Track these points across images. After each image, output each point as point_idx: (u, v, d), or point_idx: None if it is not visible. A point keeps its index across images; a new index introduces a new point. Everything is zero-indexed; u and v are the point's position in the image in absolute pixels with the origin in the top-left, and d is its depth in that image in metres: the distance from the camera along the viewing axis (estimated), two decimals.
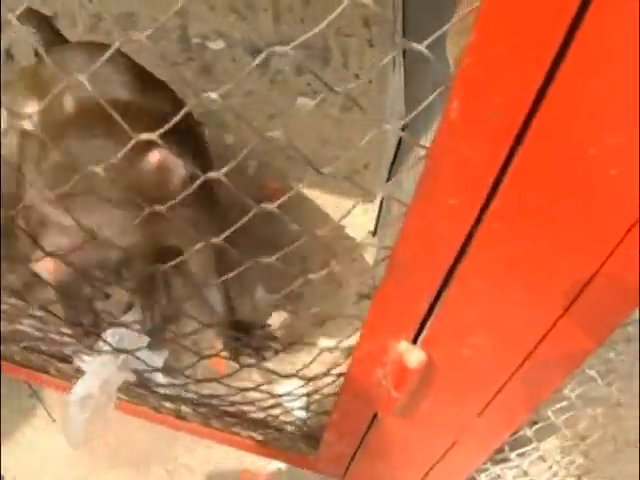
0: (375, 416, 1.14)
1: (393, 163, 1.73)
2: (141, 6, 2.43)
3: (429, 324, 0.86)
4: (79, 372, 1.21)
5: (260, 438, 1.41)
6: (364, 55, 2.35)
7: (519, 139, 0.58)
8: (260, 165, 2.10)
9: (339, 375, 1.11)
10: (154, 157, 1.14)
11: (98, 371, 1.10)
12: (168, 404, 1.35)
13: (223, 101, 0.63)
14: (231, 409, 1.37)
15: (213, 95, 0.63)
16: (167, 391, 1.29)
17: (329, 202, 2.01)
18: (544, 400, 0.95)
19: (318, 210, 1.99)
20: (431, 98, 0.64)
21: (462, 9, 0.62)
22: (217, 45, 2.39)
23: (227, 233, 0.82)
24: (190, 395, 1.27)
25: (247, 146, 0.72)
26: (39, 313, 1.16)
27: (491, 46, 0.52)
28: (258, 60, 0.62)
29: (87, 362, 1.14)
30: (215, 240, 0.83)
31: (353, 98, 0.69)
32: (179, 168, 1.16)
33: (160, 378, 1.26)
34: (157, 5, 2.41)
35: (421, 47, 0.57)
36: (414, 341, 0.90)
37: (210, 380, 1.14)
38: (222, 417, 1.39)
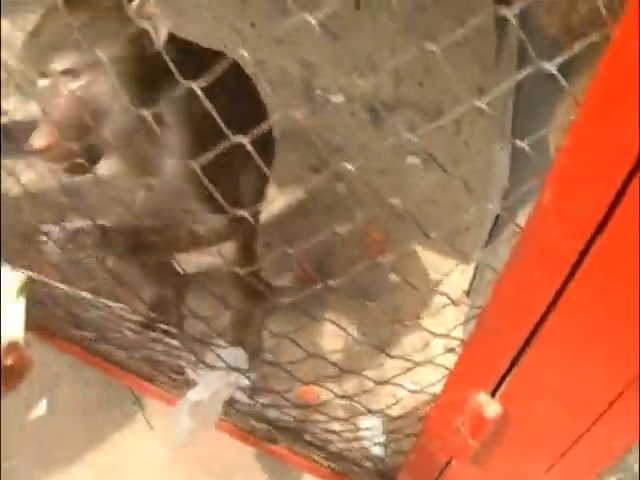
0: (449, 462, 1.23)
1: (492, 229, 1.82)
2: (268, 55, 2.63)
3: (508, 380, 0.95)
4: (188, 384, 1.35)
5: (339, 469, 1.52)
6: (475, 124, 2.46)
7: (600, 228, 0.68)
8: (364, 212, 2.23)
9: (420, 418, 1.21)
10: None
11: (211, 383, 1.24)
12: (259, 425, 1.47)
13: (356, 173, 0.75)
14: (316, 438, 1.48)
15: (349, 166, 0.76)
16: (262, 412, 1.42)
17: (428, 258, 2.11)
18: (608, 466, 1.03)
19: (417, 264, 2.10)
20: (529, 185, 0.75)
21: (562, 113, 0.72)
22: (338, 99, 2.56)
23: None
24: (285, 418, 1.38)
25: (357, 197, 0.84)
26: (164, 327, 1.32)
27: (581, 152, 0.63)
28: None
29: (201, 375, 1.27)
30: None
31: (463, 179, 0.81)
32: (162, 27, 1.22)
33: (245, 398, 1.38)
34: (284, 54, 2.61)
35: (524, 145, 0.68)
36: (493, 394, 0.99)
37: (304, 406, 1.26)
38: (307, 445, 1.51)
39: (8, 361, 1.11)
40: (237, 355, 1.30)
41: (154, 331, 1.38)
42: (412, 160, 2.39)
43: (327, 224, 2.17)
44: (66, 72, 1.20)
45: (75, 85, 1.20)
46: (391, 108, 2.53)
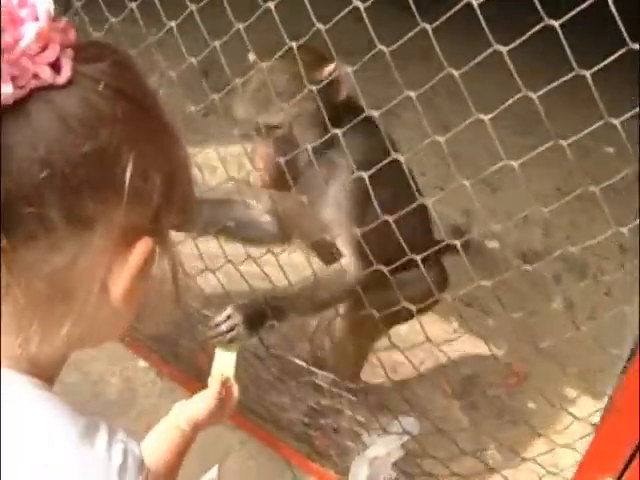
0: None
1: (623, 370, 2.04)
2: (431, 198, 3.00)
3: (632, 466, 1.19)
4: (350, 454, 1.64)
5: None
6: (617, 276, 2.71)
7: None
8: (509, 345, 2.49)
9: None
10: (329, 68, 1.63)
11: (387, 444, 1.51)
12: None
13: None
14: None
15: (515, 315, 1.06)
16: None
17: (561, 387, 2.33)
18: None
19: (552, 392, 2.32)
20: None
21: None
22: (492, 244, 2.88)
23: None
24: None
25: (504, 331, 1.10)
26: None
27: None
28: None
29: (378, 438, 1.56)
30: None
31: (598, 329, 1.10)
32: (348, 79, 1.63)
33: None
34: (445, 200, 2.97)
35: None
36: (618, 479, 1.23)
37: None
38: None
39: (222, 394, 1.41)
40: (410, 422, 1.58)
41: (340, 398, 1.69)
42: (555, 305, 2.64)
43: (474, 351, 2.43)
44: (273, 127, 1.65)
45: (279, 134, 1.66)
46: (539, 256, 2.82)
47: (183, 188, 0.75)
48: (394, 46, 1.36)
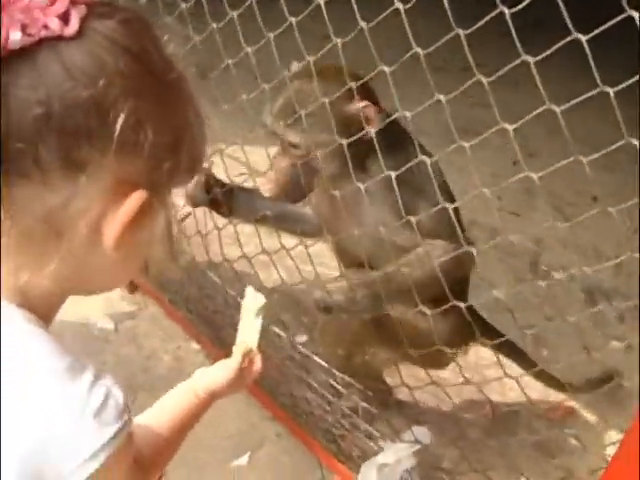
0: None
1: None
2: (504, 224, 2.97)
3: None
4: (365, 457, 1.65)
5: None
6: None
7: None
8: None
9: None
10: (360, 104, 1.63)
11: (397, 451, 1.52)
12: None
13: None
14: None
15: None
16: None
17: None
18: None
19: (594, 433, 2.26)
20: None
21: None
22: (559, 275, 2.83)
23: None
24: None
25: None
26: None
27: None
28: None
29: (390, 445, 1.57)
30: None
31: None
32: (378, 116, 1.62)
33: None
34: (519, 227, 2.93)
35: None
36: None
37: None
38: None
39: (244, 363, 1.40)
40: (423, 431, 1.58)
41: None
42: (615, 344, 2.57)
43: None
44: (293, 145, 1.68)
45: (298, 153, 1.69)
46: (606, 295, 2.75)
47: (191, 149, 0.78)
48: (493, 76, 1.29)
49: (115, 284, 0.88)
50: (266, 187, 1.74)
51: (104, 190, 0.72)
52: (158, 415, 1.25)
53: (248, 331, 1.44)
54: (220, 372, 1.36)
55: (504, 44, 1.24)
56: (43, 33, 0.65)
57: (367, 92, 1.71)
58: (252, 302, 1.47)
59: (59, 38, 0.66)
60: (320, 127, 1.66)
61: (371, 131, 1.62)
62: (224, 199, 1.91)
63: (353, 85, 1.59)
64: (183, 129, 0.77)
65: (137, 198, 0.73)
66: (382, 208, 1.68)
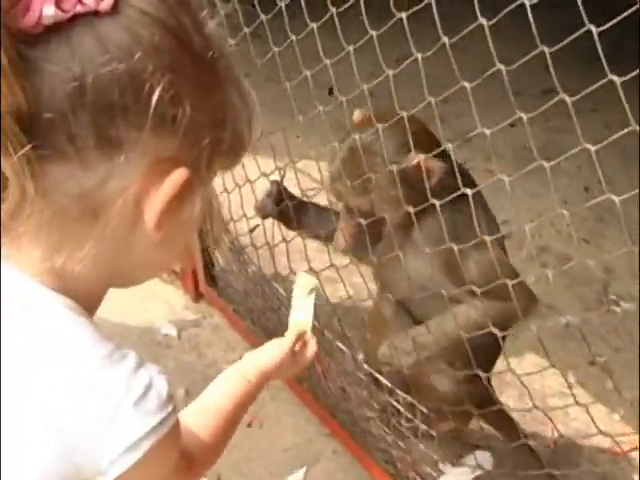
0: None
1: None
2: (575, 251, 2.91)
3: None
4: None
5: None
6: None
7: None
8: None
9: None
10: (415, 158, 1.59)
11: (457, 475, 1.50)
12: None
13: None
14: None
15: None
16: None
17: None
18: None
19: None
20: None
21: None
22: (628, 306, 2.75)
23: None
24: None
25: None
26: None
27: None
28: None
29: (450, 468, 1.54)
30: None
31: None
32: (438, 169, 1.58)
33: None
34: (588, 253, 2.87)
35: None
36: None
37: None
38: None
39: (297, 346, 1.35)
40: (485, 457, 1.55)
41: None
42: None
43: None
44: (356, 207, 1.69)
45: (363, 210, 1.69)
46: None
47: (233, 130, 0.76)
48: (577, 96, 1.26)
49: (156, 270, 0.86)
50: (337, 244, 1.75)
51: (143, 168, 0.70)
52: (206, 407, 1.19)
53: (301, 312, 1.41)
54: (271, 353, 1.30)
55: (582, 68, 1.22)
56: (78, 8, 0.64)
57: (427, 139, 1.69)
58: (304, 284, 1.46)
59: (94, 14, 0.65)
60: (381, 182, 1.64)
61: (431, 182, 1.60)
62: (294, 212, 1.91)
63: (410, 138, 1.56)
64: (223, 108, 0.75)
65: (179, 176, 0.72)
66: (430, 259, 1.67)
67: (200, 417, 1.15)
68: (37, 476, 0.68)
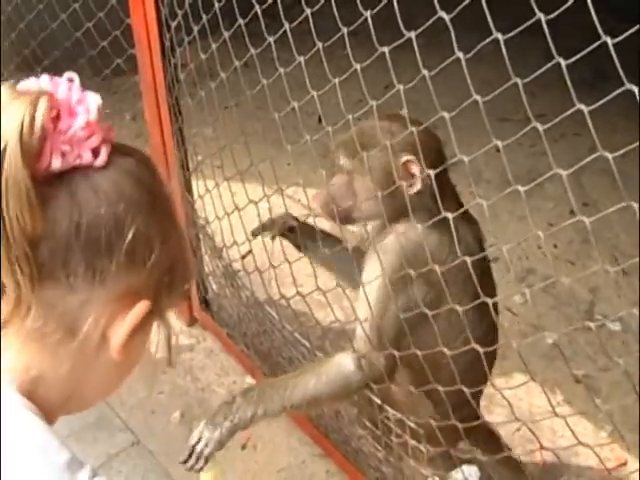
0: None
1: None
2: (560, 272, 2.98)
3: None
4: None
5: None
6: None
7: None
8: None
9: None
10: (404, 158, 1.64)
11: None
12: None
13: None
14: None
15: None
16: None
17: None
18: None
19: None
20: None
21: None
22: (614, 326, 2.81)
23: None
24: None
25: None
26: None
27: None
28: None
29: None
30: None
31: None
32: (422, 176, 1.62)
33: None
34: (574, 274, 2.94)
35: None
36: None
37: None
38: None
39: None
40: (473, 470, 1.60)
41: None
42: None
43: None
44: (342, 169, 1.74)
45: (340, 181, 1.76)
46: None
47: (182, 272, 0.90)
48: (548, 124, 1.29)
49: (111, 389, 0.95)
50: (314, 201, 1.80)
51: (114, 298, 0.82)
52: None
53: None
54: None
55: (568, 95, 1.26)
56: (77, 162, 0.80)
57: (432, 154, 1.70)
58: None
59: (89, 167, 0.81)
60: (372, 166, 1.68)
61: (412, 188, 1.65)
62: (304, 232, 2.01)
63: (412, 130, 1.56)
64: (179, 255, 0.90)
65: (142, 307, 0.84)
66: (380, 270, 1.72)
67: None
68: None
